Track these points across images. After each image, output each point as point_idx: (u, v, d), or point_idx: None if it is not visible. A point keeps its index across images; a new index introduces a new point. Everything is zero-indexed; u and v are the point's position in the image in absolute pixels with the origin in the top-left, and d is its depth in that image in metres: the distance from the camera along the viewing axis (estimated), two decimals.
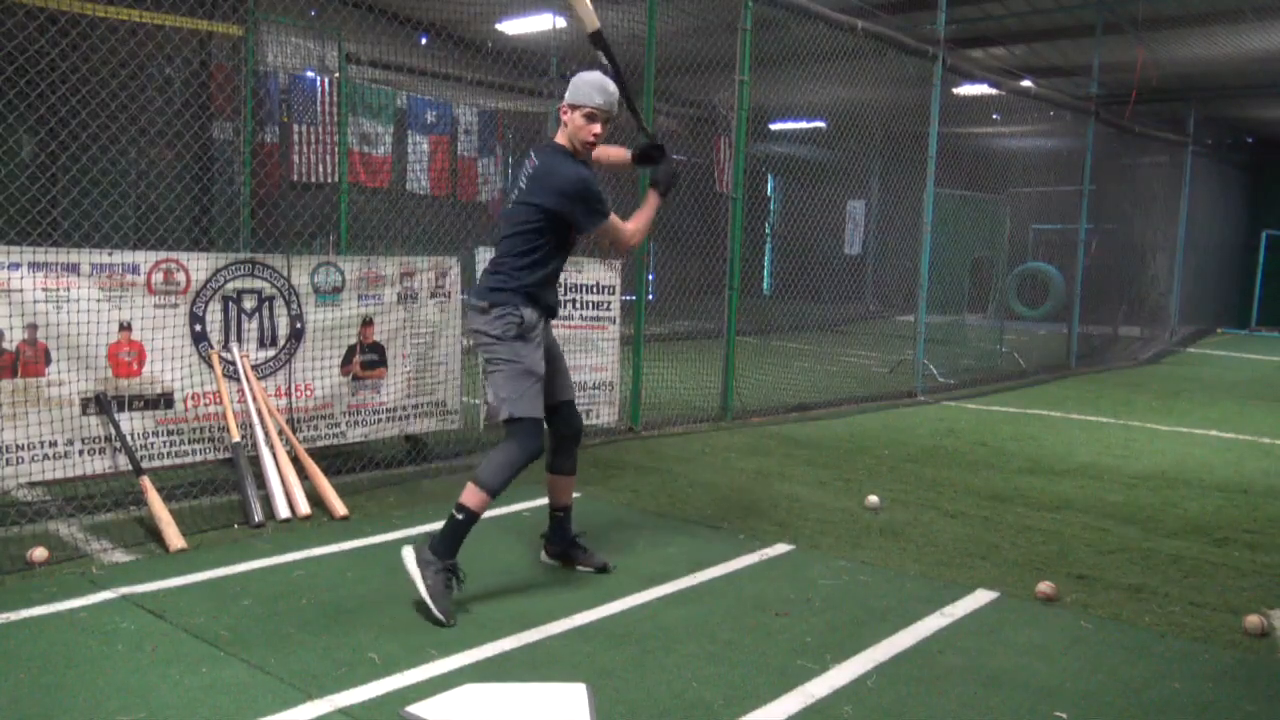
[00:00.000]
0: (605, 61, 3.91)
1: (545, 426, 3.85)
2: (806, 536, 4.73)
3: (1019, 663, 3.34)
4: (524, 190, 3.79)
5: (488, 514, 4.85)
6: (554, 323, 6.60)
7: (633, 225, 3.92)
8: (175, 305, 4.82)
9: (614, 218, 3.83)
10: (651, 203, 4.01)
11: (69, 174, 6.37)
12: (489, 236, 10.97)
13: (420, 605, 3.52)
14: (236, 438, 4.86)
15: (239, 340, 5.06)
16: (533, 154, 3.90)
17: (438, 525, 4.53)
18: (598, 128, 3.77)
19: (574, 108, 3.77)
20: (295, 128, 9.26)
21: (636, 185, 7.20)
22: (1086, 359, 13.32)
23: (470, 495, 3.62)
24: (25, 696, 2.84)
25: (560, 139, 3.85)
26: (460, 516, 3.61)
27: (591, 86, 3.76)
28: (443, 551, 3.58)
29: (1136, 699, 3.11)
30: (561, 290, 6.48)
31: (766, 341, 12.59)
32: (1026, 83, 12.63)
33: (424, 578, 3.52)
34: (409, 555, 3.60)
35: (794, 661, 3.28)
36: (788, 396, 8.81)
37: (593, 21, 3.95)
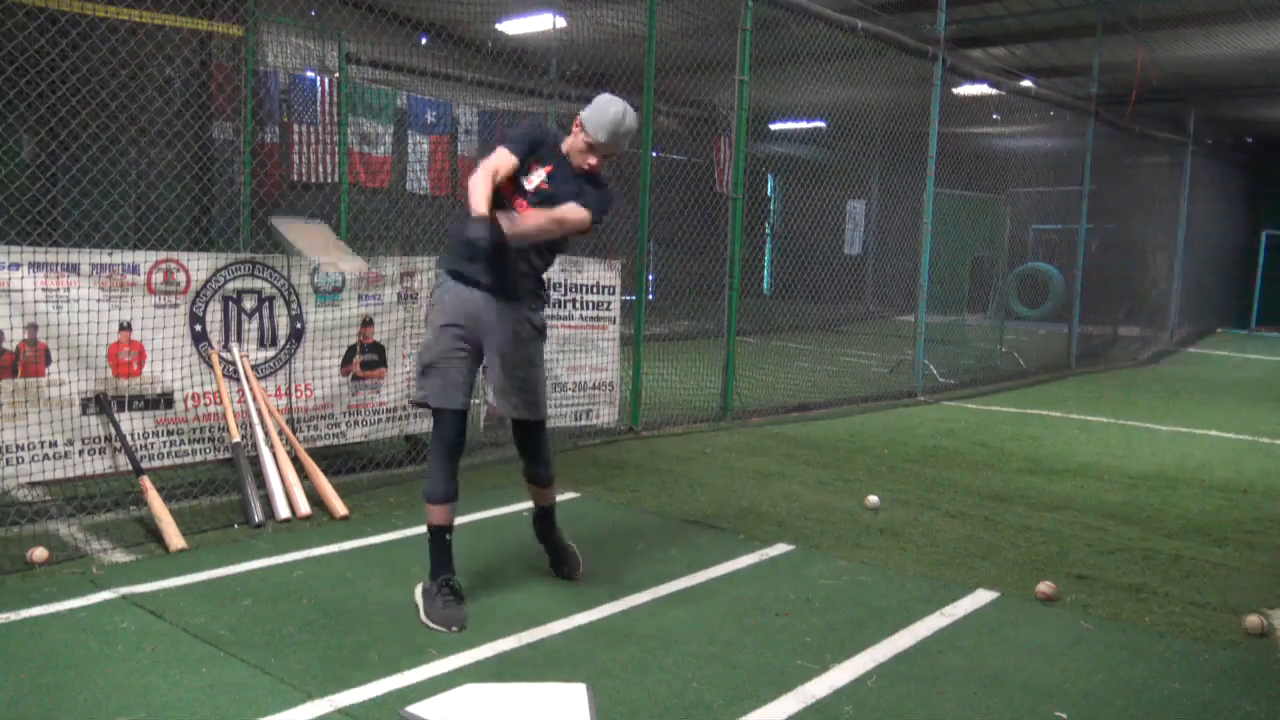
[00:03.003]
0: None
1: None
2: (806, 536, 4.73)
3: (1019, 663, 3.34)
4: None
5: (489, 514, 4.89)
6: (555, 323, 6.59)
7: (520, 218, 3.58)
8: (175, 305, 4.82)
9: (491, 159, 3.57)
10: (555, 214, 3.61)
11: (69, 174, 6.37)
12: None
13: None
14: (236, 438, 4.86)
15: (239, 340, 5.06)
16: None
17: None
18: (594, 160, 3.68)
19: (582, 129, 3.68)
20: (295, 128, 9.25)
21: (637, 189, 7.19)
22: (1086, 359, 13.32)
23: (427, 513, 3.66)
24: (25, 696, 2.84)
25: (565, 143, 3.77)
26: (429, 536, 3.66)
27: (603, 121, 3.62)
28: (432, 573, 3.63)
29: (1136, 699, 3.11)
30: (561, 290, 6.48)
31: (766, 341, 12.59)
32: (1026, 83, 12.64)
33: (422, 605, 3.57)
34: (418, 590, 3.65)
35: (794, 661, 3.28)
36: (788, 396, 8.81)
37: None
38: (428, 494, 3.64)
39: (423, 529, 4.42)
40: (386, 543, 4.40)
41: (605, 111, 3.65)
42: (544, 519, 4.12)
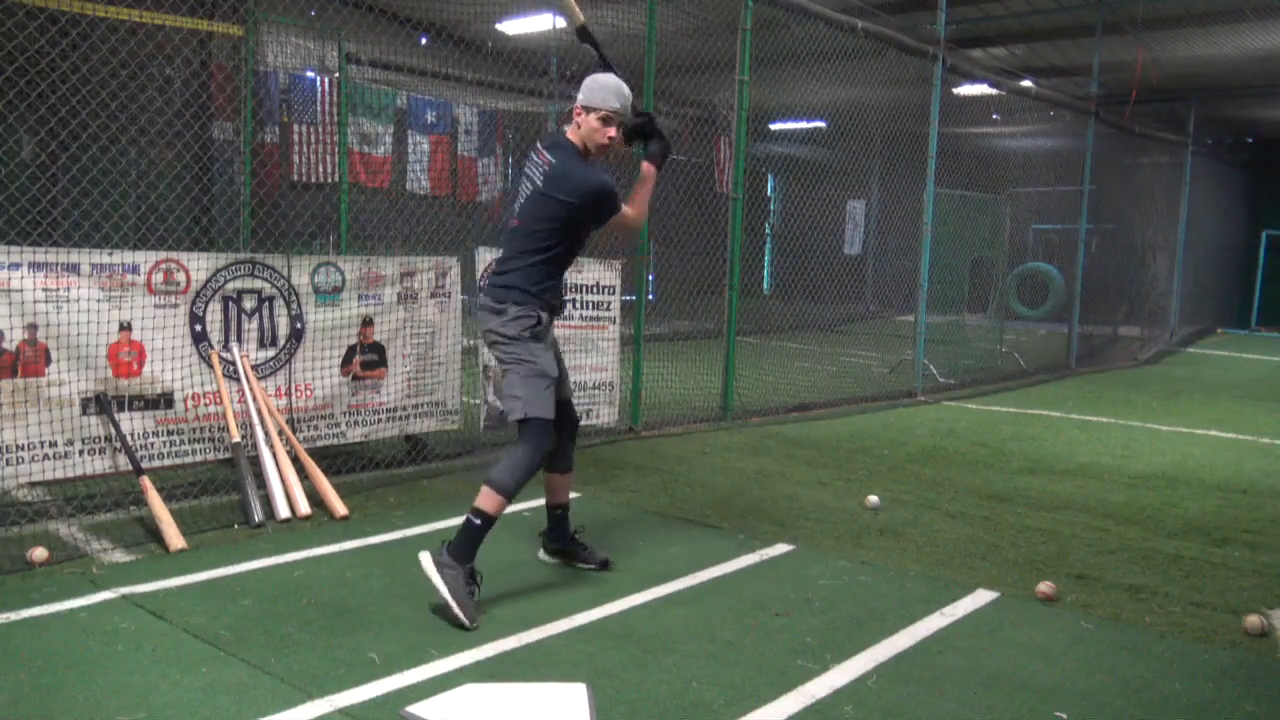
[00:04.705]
0: (596, 55, 3.95)
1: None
2: (806, 536, 4.73)
3: (1019, 663, 3.34)
4: (542, 186, 3.76)
5: None
6: (555, 323, 6.62)
7: (634, 210, 3.92)
8: (175, 305, 4.82)
9: (623, 208, 3.87)
10: (648, 179, 3.99)
11: (69, 174, 6.36)
12: (489, 236, 10.97)
13: (441, 608, 3.52)
14: (236, 438, 4.86)
15: (239, 340, 5.06)
16: (543, 149, 3.85)
17: (438, 525, 4.56)
18: (613, 131, 3.80)
19: (589, 110, 3.78)
20: (295, 128, 9.25)
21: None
22: (1086, 359, 13.32)
23: (486, 499, 3.61)
24: (25, 696, 2.84)
25: (572, 137, 3.84)
26: (478, 522, 3.60)
27: (608, 90, 3.77)
28: (461, 556, 3.58)
29: (1136, 699, 3.11)
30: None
31: (766, 341, 12.59)
32: (1026, 83, 12.63)
33: (445, 581, 3.51)
34: (427, 560, 3.59)
35: (794, 661, 3.28)
36: (788, 396, 8.81)
37: (577, 17, 4.02)
38: (505, 487, 3.63)
39: (422, 529, 4.48)
40: (386, 543, 4.40)
41: (604, 83, 3.79)
42: (564, 518, 4.15)
